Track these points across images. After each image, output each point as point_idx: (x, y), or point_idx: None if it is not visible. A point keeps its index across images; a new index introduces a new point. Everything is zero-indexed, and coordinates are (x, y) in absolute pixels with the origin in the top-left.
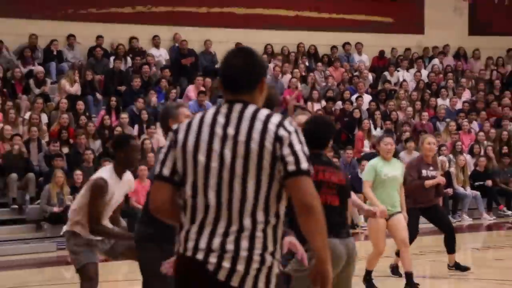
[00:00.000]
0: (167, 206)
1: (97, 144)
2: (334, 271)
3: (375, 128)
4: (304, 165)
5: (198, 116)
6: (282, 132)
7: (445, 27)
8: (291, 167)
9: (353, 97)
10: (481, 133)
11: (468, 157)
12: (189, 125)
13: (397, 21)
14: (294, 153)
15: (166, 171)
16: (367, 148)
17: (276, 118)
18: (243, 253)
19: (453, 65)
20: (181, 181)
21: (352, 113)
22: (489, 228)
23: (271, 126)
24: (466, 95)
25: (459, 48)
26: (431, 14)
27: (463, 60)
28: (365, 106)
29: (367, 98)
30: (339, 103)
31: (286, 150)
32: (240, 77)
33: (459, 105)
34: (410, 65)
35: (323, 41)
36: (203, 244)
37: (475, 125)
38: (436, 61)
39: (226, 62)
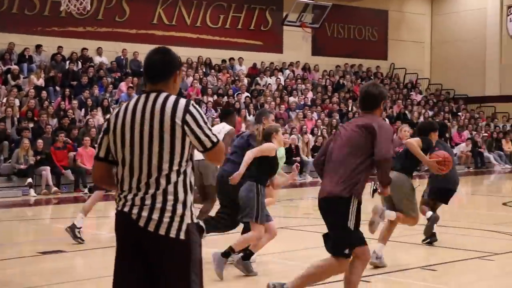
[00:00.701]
0: (105, 179)
1: (54, 121)
2: None
3: (249, 115)
4: (213, 137)
5: (123, 105)
6: (188, 111)
7: (296, 49)
8: (206, 143)
9: (235, 94)
10: (319, 121)
11: (310, 136)
12: (117, 113)
13: (265, 44)
14: (200, 127)
15: (101, 153)
16: (243, 129)
17: (183, 101)
18: (158, 205)
19: (301, 75)
20: (116, 158)
21: (234, 105)
22: None
23: (180, 107)
24: (310, 95)
25: (305, 63)
26: (287, 40)
27: (308, 72)
28: (242, 100)
29: (244, 95)
30: (225, 98)
31: (194, 127)
32: (157, 69)
33: (306, 101)
34: (273, 73)
35: (215, 55)
36: (129, 201)
37: (315, 115)
38: (289, 72)
39: (148, 59)
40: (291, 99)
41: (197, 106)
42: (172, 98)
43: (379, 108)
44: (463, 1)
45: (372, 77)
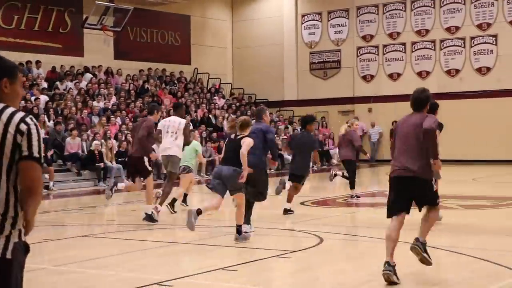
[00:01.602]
0: None
1: None
2: None
3: (49, 121)
4: (36, 154)
5: None
6: (22, 125)
7: (98, 53)
8: (25, 153)
9: (33, 99)
10: (123, 126)
11: (114, 141)
12: None
13: (64, 46)
14: (29, 141)
15: None
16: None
17: (19, 114)
18: None
19: (104, 79)
20: None
21: (32, 109)
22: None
23: (15, 120)
24: (113, 99)
25: (108, 67)
26: (88, 43)
27: (111, 76)
28: (42, 105)
29: (44, 98)
30: (23, 102)
31: (23, 140)
32: None
33: (109, 106)
34: (74, 77)
35: (10, 58)
36: None
37: (119, 120)
38: (91, 76)
39: None
40: (94, 103)
41: (33, 119)
42: (9, 110)
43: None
44: (261, 8)
45: (176, 82)
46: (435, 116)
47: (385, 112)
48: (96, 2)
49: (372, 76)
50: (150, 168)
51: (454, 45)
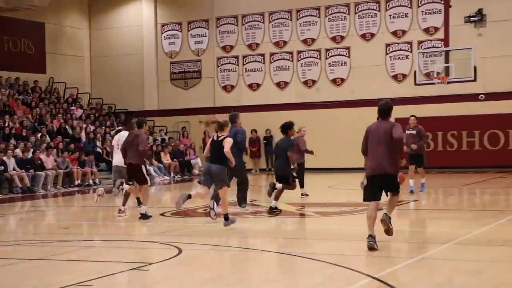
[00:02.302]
0: None
1: None
2: None
3: None
4: None
5: None
6: None
7: None
8: None
9: None
10: None
11: None
12: None
13: None
14: None
15: None
16: None
17: None
18: None
19: None
20: None
21: None
22: None
23: None
24: None
25: None
26: None
27: None
28: None
29: None
30: None
31: None
32: None
33: None
34: None
35: None
36: None
37: None
38: None
39: None
40: None
41: None
42: None
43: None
44: (120, 17)
45: (29, 91)
46: (399, 124)
47: (246, 122)
48: None
49: (232, 86)
50: (147, 176)
51: (310, 57)
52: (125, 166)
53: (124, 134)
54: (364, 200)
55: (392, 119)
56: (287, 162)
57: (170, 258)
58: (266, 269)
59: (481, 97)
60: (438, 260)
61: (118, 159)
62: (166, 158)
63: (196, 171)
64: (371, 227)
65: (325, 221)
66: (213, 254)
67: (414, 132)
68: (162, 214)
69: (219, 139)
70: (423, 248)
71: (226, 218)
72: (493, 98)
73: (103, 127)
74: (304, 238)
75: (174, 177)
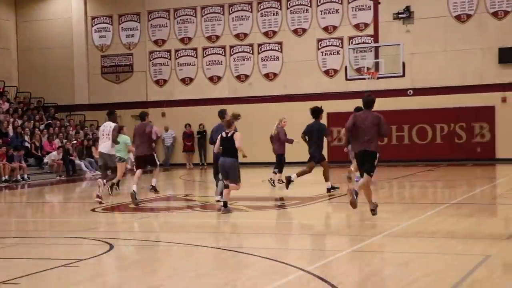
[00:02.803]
0: None
1: None
2: None
3: None
4: None
5: None
6: None
7: None
8: None
9: None
10: None
11: None
12: None
13: None
14: None
15: None
16: None
17: None
18: None
19: None
20: None
21: None
22: None
23: None
24: None
25: None
26: None
27: None
28: None
29: None
30: None
31: None
32: None
33: None
34: None
35: None
36: None
37: None
38: None
39: None
40: None
41: None
42: None
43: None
44: (49, 9)
45: None
46: (382, 117)
47: (178, 116)
48: None
49: (165, 81)
50: (157, 161)
51: (243, 51)
52: (109, 154)
53: (107, 124)
54: (361, 175)
55: (324, 114)
56: (321, 144)
57: (101, 254)
58: (199, 264)
59: (410, 92)
60: (368, 252)
61: (102, 147)
62: (97, 153)
63: (128, 166)
64: (369, 198)
65: (258, 215)
66: (145, 249)
67: None
68: (93, 210)
69: (228, 135)
70: (353, 241)
71: (225, 205)
72: (421, 93)
73: (32, 121)
74: (236, 232)
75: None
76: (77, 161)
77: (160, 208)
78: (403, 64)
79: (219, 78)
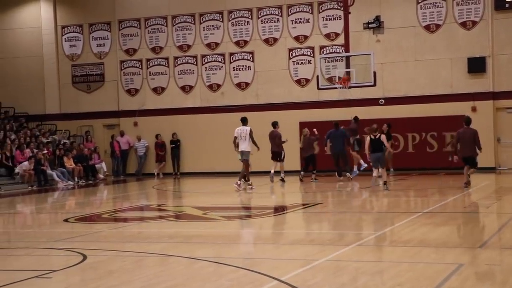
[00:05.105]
0: None
1: None
2: None
3: None
4: None
5: None
6: None
7: None
8: None
9: None
10: None
11: None
12: None
13: None
14: None
15: None
16: None
17: None
18: None
19: None
20: None
21: None
22: None
23: None
24: None
25: None
26: None
27: None
28: None
29: None
30: None
31: None
32: None
33: None
34: None
35: None
36: None
37: None
38: None
39: None
40: None
41: None
42: None
43: None
44: (18, 18)
45: None
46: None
47: (150, 126)
48: None
49: (136, 90)
50: None
51: (215, 61)
52: (247, 151)
53: (243, 128)
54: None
55: (296, 123)
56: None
57: (74, 265)
58: (173, 274)
59: (381, 101)
60: (342, 261)
61: (243, 147)
62: (69, 163)
63: (101, 175)
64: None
65: (231, 225)
66: (118, 260)
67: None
68: (66, 220)
69: (376, 137)
70: (327, 250)
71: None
72: (392, 102)
73: (2, 131)
74: (210, 242)
75: (78, 181)
76: (48, 171)
77: (133, 218)
78: (374, 73)
79: (191, 87)
